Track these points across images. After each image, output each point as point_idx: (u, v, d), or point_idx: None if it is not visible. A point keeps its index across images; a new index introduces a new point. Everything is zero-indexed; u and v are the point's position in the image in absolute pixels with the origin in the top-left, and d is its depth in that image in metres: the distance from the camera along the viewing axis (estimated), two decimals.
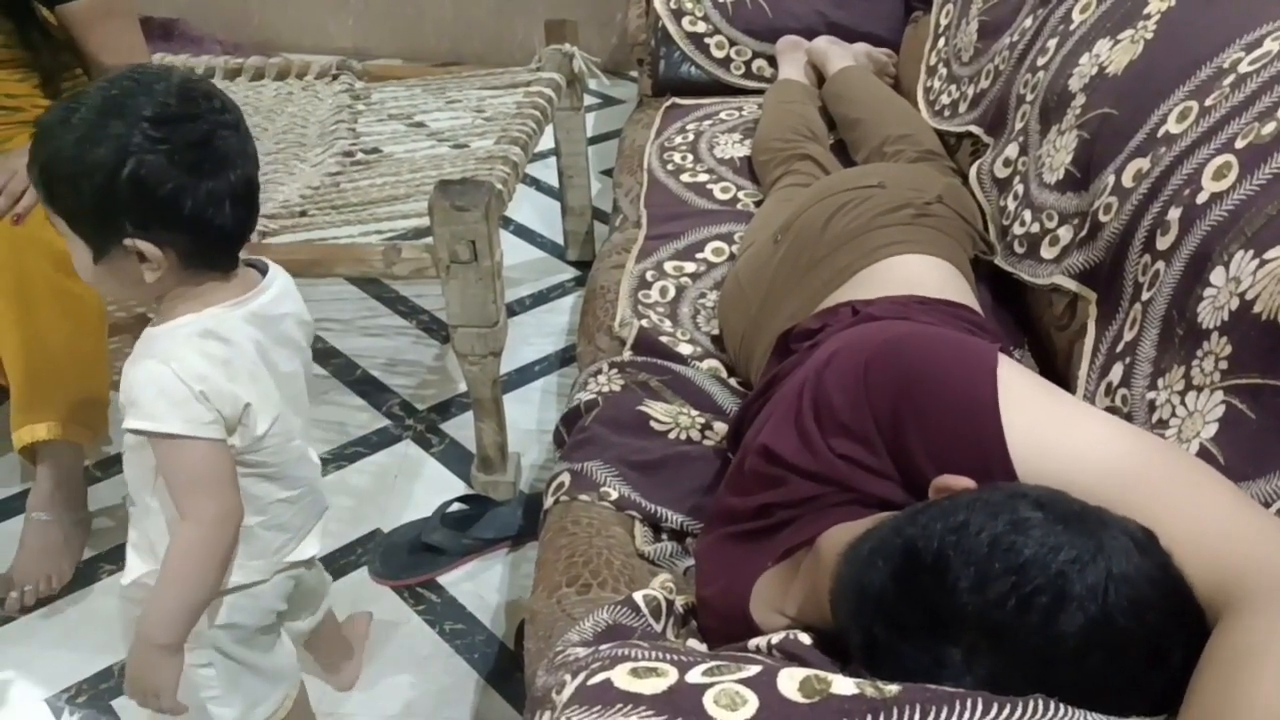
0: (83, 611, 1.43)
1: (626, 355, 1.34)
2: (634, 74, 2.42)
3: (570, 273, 2.26)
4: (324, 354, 1.97)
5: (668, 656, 0.67)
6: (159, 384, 0.87)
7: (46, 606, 1.42)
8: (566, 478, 1.15)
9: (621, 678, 0.62)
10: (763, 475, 0.88)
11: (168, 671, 0.94)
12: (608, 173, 2.56)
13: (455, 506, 1.56)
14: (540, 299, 2.15)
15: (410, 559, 1.49)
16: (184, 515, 0.91)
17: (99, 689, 1.32)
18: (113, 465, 1.64)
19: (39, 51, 1.46)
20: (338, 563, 1.51)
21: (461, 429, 1.79)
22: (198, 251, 0.89)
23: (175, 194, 0.84)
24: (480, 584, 1.49)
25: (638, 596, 0.90)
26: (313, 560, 1.09)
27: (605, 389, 1.28)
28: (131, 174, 0.82)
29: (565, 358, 1.98)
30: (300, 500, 1.03)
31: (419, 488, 1.66)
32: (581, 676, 0.66)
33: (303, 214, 1.60)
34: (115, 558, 1.50)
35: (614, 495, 1.12)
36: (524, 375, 1.91)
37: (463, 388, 1.89)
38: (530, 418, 1.81)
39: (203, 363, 0.88)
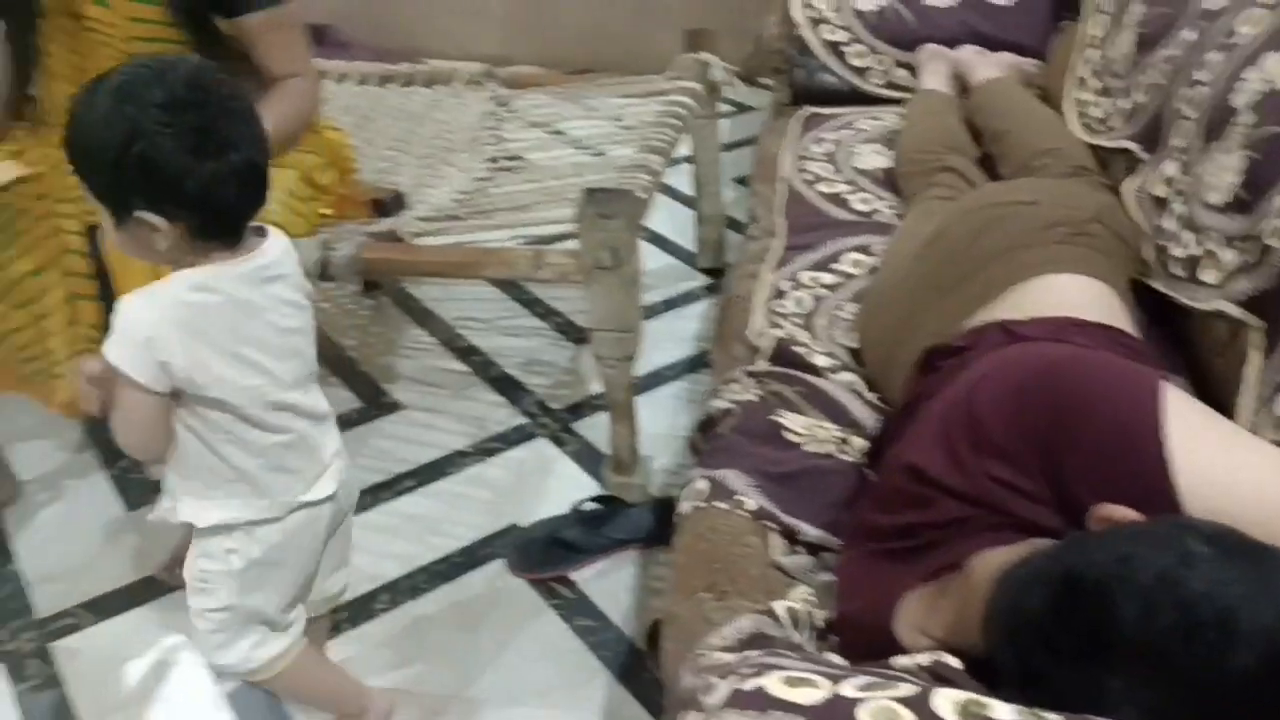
0: None
1: (763, 365, 1.36)
2: (767, 82, 2.43)
3: (701, 280, 2.29)
4: (465, 351, 2.05)
5: (818, 668, 0.68)
6: (123, 318, 0.96)
7: None
8: (703, 484, 1.18)
9: (776, 685, 0.64)
10: (909, 494, 0.88)
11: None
12: (739, 180, 2.59)
13: (588, 505, 1.60)
14: (671, 305, 2.19)
15: (545, 553, 1.54)
16: (113, 427, 1.01)
17: None
18: None
19: (214, 62, 1.57)
20: (476, 554, 1.57)
21: (594, 430, 1.83)
22: (202, 225, 0.98)
23: (179, 174, 0.93)
24: (611, 583, 1.53)
25: (779, 607, 0.92)
26: (335, 498, 1.15)
27: (741, 398, 1.30)
28: (139, 154, 0.92)
29: (696, 363, 2.01)
30: (297, 445, 1.09)
31: (553, 485, 1.72)
32: (733, 681, 0.68)
33: (452, 217, 1.67)
34: None
35: (751, 505, 1.14)
36: (655, 380, 1.94)
37: (596, 389, 1.94)
38: (661, 422, 1.84)
39: (171, 312, 0.96)
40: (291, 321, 1.07)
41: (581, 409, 1.89)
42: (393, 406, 1.90)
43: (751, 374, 1.33)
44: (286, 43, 1.57)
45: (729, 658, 0.78)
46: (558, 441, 1.81)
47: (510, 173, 1.85)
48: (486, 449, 1.79)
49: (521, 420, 1.86)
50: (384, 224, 1.63)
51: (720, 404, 1.30)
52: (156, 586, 1.51)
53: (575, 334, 2.11)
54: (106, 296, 1.52)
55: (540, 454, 1.79)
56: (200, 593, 1.11)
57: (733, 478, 1.17)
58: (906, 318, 1.25)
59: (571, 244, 1.49)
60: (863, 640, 0.88)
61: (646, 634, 1.41)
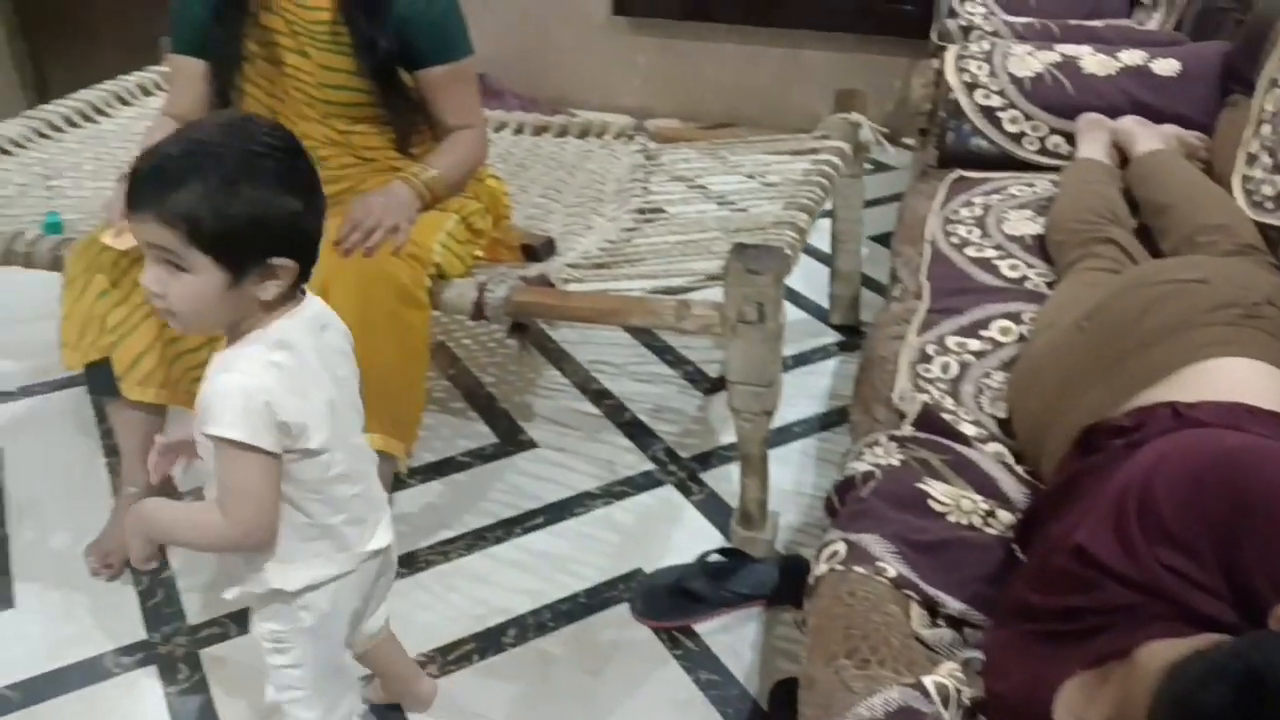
0: None
1: (907, 430, 1.34)
2: (909, 142, 2.42)
3: (833, 336, 2.28)
4: (598, 394, 2.09)
5: None
6: (231, 395, 0.98)
7: None
8: (842, 547, 1.16)
9: None
10: (1074, 576, 0.86)
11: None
12: (875, 239, 2.57)
13: (714, 557, 1.60)
14: (802, 360, 2.18)
15: (670, 602, 1.54)
16: (223, 513, 1.02)
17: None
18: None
19: (397, 111, 1.66)
20: (601, 595, 1.59)
21: (721, 481, 1.84)
22: (306, 267, 1.03)
23: (299, 212, 0.99)
24: (735, 638, 1.52)
25: (928, 682, 0.90)
26: (389, 549, 1.19)
27: (883, 462, 1.28)
28: (277, 212, 0.97)
29: (825, 421, 1.99)
30: (366, 492, 1.13)
31: (678, 533, 1.72)
32: None
33: (599, 265, 1.71)
34: (407, 561, 1.65)
35: (891, 573, 1.12)
36: (784, 435, 1.93)
37: (724, 440, 1.95)
38: (788, 478, 1.83)
39: (271, 375, 1.00)
40: (344, 370, 1.12)
41: (709, 459, 1.90)
42: (528, 444, 1.95)
43: (895, 438, 1.32)
44: (462, 95, 1.66)
45: None
46: (684, 490, 1.82)
47: (655, 224, 1.89)
48: (615, 492, 1.82)
49: (650, 466, 1.88)
50: (535, 269, 1.69)
51: (861, 466, 1.29)
52: None
53: (705, 383, 2.13)
54: None
55: (667, 501, 1.80)
56: (276, 653, 1.13)
57: (873, 543, 1.16)
58: (1063, 391, 1.22)
59: (715, 296, 1.51)
60: None
61: (770, 695, 1.40)
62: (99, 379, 1.61)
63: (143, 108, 2.31)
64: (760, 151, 2.16)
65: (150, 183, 0.96)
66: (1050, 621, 0.87)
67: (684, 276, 1.72)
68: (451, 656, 1.49)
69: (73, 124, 2.21)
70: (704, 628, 1.53)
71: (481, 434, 1.98)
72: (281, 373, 1.01)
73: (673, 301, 1.53)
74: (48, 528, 1.75)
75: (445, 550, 1.69)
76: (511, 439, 1.97)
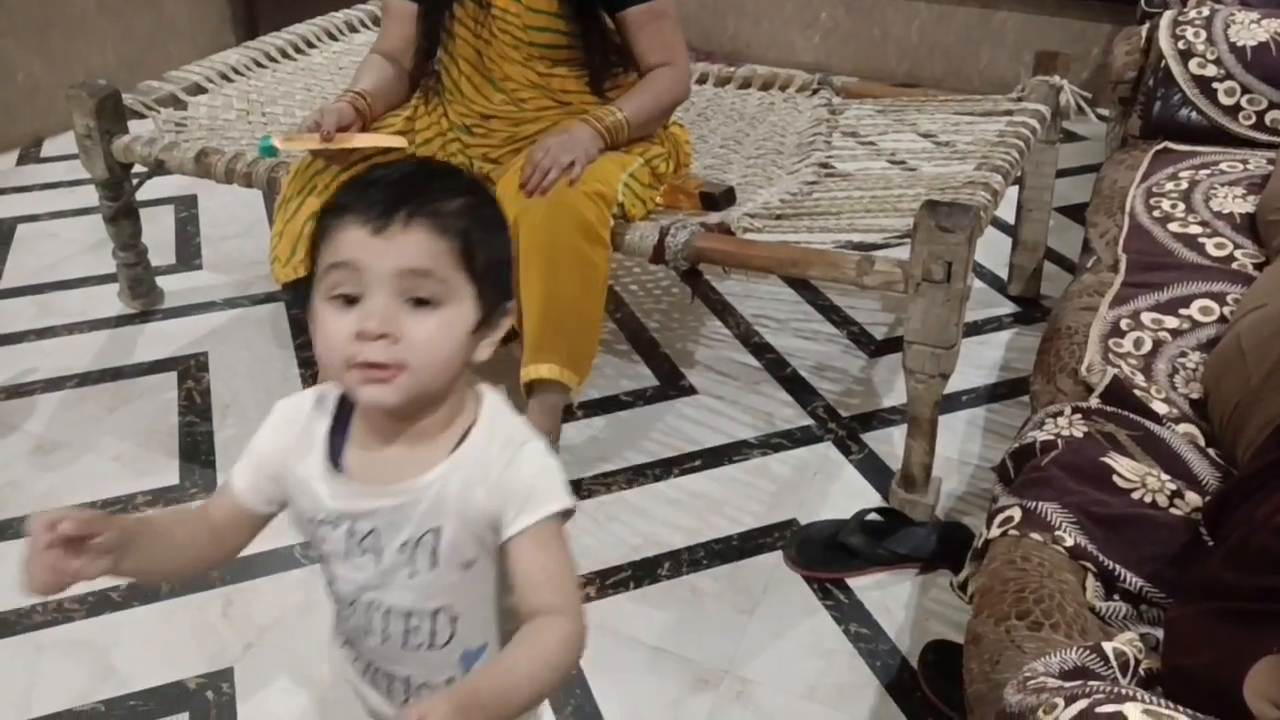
0: None
1: (1093, 402, 1.30)
2: (1103, 112, 2.30)
3: (1009, 307, 2.21)
4: (759, 348, 2.10)
5: (1173, 708, 0.66)
6: (554, 464, 0.81)
7: None
8: (1017, 513, 1.15)
9: (1136, 714, 0.63)
10: (1276, 556, 0.83)
11: None
12: (1058, 210, 2.47)
13: (872, 516, 1.60)
14: (974, 329, 2.13)
15: (825, 554, 1.56)
16: (565, 611, 0.78)
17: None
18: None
19: (595, 54, 1.70)
20: (755, 540, 1.62)
21: (881, 443, 1.83)
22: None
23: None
24: (887, 596, 1.52)
25: (1107, 647, 0.89)
26: None
27: (1066, 433, 1.25)
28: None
29: (995, 393, 1.95)
30: None
31: (835, 489, 1.73)
32: (1084, 704, 0.68)
33: (778, 217, 1.72)
34: (571, 489, 1.71)
35: (1069, 542, 1.10)
36: (950, 403, 1.90)
37: (887, 402, 1.93)
38: (952, 446, 1.80)
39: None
40: None
41: (871, 419, 1.89)
42: (688, 390, 1.98)
43: (1080, 410, 1.28)
44: (661, 31, 1.68)
45: (1066, 683, 0.78)
46: (843, 448, 1.82)
47: (837, 179, 1.87)
48: (772, 444, 1.83)
49: (809, 422, 1.89)
50: (715, 217, 1.71)
51: (1041, 435, 1.26)
52: None
53: (871, 345, 2.11)
54: None
55: (824, 457, 1.80)
56: None
57: (1051, 511, 1.14)
58: (1269, 376, 1.16)
59: (898, 254, 1.50)
60: (1195, 698, 0.84)
61: (921, 654, 1.40)
62: (302, 295, 1.73)
63: (349, 44, 2.44)
64: (951, 112, 2.10)
65: (414, 184, 0.76)
66: (1245, 600, 0.85)
67: (867, 233, 1.70)
68: (609, 580, 1.54)
69: (286, 55, 2.35)
70: (857, 583, 1.54)
71: (643, 376, 2.03)
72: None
73: (855, 255, 1.52)
74: (247, 425, 1.90)
75: (607, 482, 1.75)
76: (672, 384, 2.01)
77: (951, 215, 1.42)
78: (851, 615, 1.49)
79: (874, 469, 1.77)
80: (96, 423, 1.87)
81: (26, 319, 2.20)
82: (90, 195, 2.36)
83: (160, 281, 2.28)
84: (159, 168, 1.97)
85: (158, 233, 2.46)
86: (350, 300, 0.74)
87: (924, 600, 1.52)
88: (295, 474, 0.82)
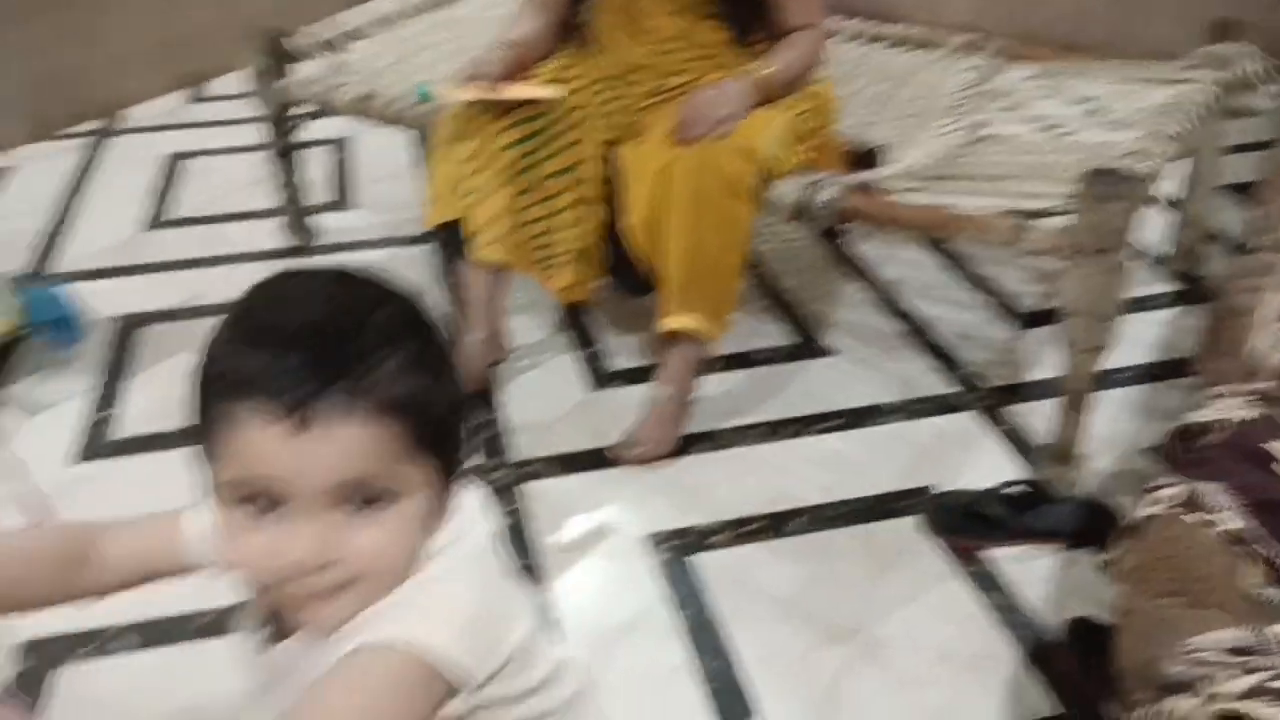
0: (675, 476, 1.69)
1: (1262, 385, 1.25)
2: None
3: (1172, 285, 2.13)
4: (900, 313, 2.08)
5: None
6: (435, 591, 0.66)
7: (652, 465, 1.70)
8: (1178, 492, 1.12)
9: None
10: None
11: None
12: (1228, 187, 2.35)
13: (1014, 488, 1.58)
14: (1134, 306, 2.03)
15: (964, 522, 1.54)
16: None
17: (682, 542, 1.56)
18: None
19: (742, 6, 1.71)
20: (891, 504, 1.62)
21: (1026, 416, 1.79)
22: None
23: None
24: (1026, 569, 1.50)
25: (1269, 631, 0.87)
26: None
27: (1232, 415, 1.21)
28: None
29: (1150, 372, 1.88)
30: None
31: (976, 459, 1.71)
32: (1257, 679, 0.67)
33: (927, 179, 1.68)
34: (702, 443, 1.74)
35: (1232, 525, 1.07)
36: (1104, 379, 1.82)
37: (1036, 374, 1.89)
38: (1103, 423, 1.74)
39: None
40: None
41: (1016, 392, 1.85)
42: (824, 351, 1.98)
43: (1248, 391, 1.24)
44: None
45: (1231, 658, 0.77)
46: (986, 418, 1.79)
47: (991, 143, 1.83)
48: (912, 409, 1.82)
49: (951, 390, 1.87)
50: (861, 176, 1.69)
51: (1207, 416, 1.22)
52: (605, 460, 1.71)
53: (1018, 316, 2.06)
54: (612, 207, 1.73)
55: (966, 427, 1.78)
56: None
57: (1214, 492, 1.11)
58: None
59: (1056, 222, 1.46)
60: None
61: (1068, 630, 1.38)
62: (452, 237, 1.79)
63: None
64: (1115, 79, 2.01)
65: (339, 334, 0.58)
66: None
67: (1022, 198, 1.65)
68: (743, 531, 1.57)
69: (437, 5, 2.42)
70: (995, 554, 1.52)
71: (780, 335, 2.03)
72: None
73: (1010, 220, 1.49)
74: None
75: (743, 435, 1.77)
76: (809, 344, 2.01)
77: (1115, 183, 1.37)
78: (989, 585, 1.48)
79: (1017, 441, 1.74)
80: None
81: (195, 247, 2.34)
82: (252, 134, 2.49)
83: (316, 220, 2.38)
84: (323, 108, 2.06)
85: (315, 172, 2.58)
86: (265, 505, 0.58)
87: (1066, 576, 1.49)
88: None
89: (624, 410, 1.78)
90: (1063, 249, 1.44)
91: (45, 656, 1.36)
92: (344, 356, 0.57)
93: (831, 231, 1.82)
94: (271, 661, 0.68)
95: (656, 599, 1.46)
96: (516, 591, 0.70)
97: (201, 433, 0.60)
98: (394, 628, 0.58)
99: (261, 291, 0.61)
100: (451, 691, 0.60)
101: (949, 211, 1.58)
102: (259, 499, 0.58)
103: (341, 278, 0.64)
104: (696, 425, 1.76)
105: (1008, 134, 1.86)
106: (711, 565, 1.51)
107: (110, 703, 1.30)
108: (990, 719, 1.30)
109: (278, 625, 0.69)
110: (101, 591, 0.75)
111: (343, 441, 0.56)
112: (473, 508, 0.70)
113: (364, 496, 0.58)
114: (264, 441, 0.56)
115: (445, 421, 0.62)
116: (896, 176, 1.69)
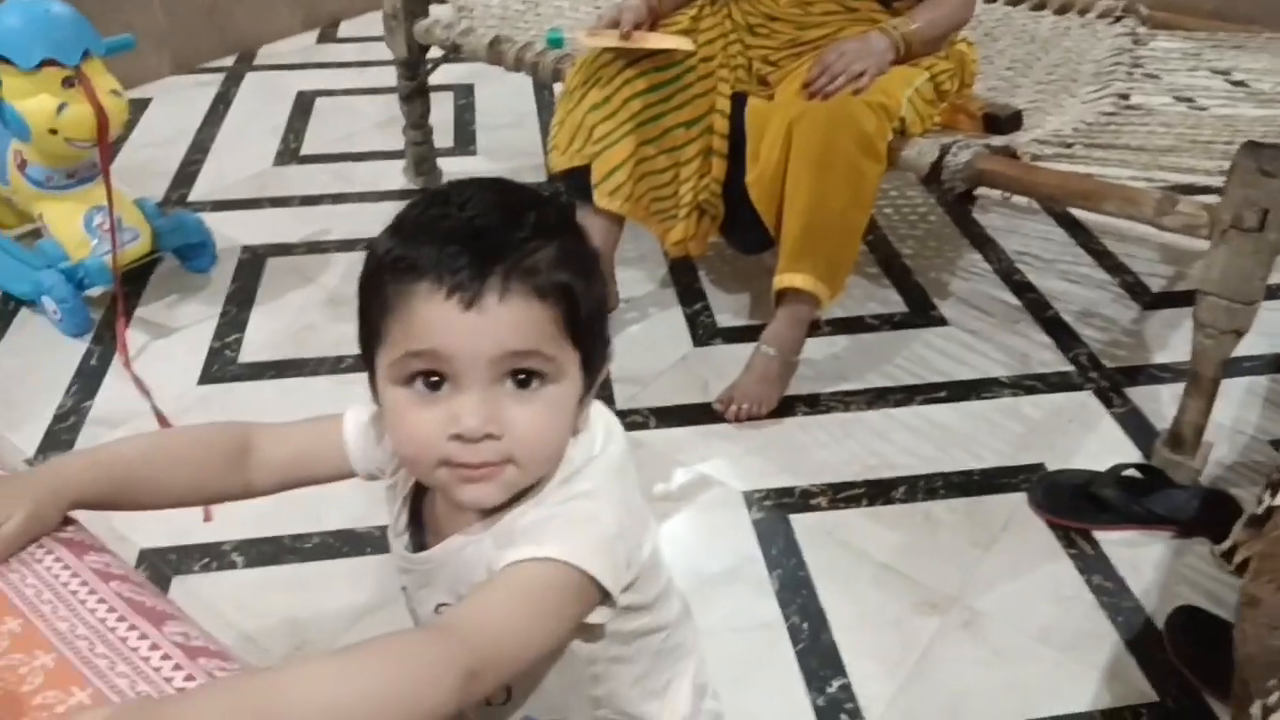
0: (776, 435, 1.68)
1: None
2: None
3: None
4: (1020, 286, 2.02)
5: None
6: (590, 516, 0.69)
7: (753, 423, 1.70)
8: None
9: None
10: None
11: None
12: None
13: (1130, 471, 1.52)
14: (1271, 293, 1.94)
15: (1074, 502, 1.50)
16: (462, 640, 0.62)
17: (780, 501, 1.55)
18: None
19: None
20: (998, 479, 1.58)
21: (1147, 400, 1.73)
22: None
23: None
24: (1137, 554, 1.45)
25: None
26: None
27: None
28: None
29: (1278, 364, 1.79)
30: None
31: (1090, 440, 1.65)
32: None
33: (1069, 146, 1.62)
34: (805, 405, 1.73)
35: None
36: (1232, 366, 1.73)
37: (1158, 358, 1.82)
38: (1227, 412, 1.68)
39: None
40: None
41: (1137, 374, 1.79)
42: (938, 320, 1.94)
43: None
44: None
45: None
46: (1104, 399, 1.73)
47: (1139, 112, 1.75)
48: (1025, 385, 1.77)
49: (1068, 368, 1.81)
50: (999, 139, 1.64)
51: None
52: (710, 414, 1.71)
53: (1145, 296, 1.98)
54: (738, 159, 1.71)
55: (1082, 406, 1.72)
56: None
57: None
58: None
59: (1205, 198, 1.39)
60: None
61: (1169, 619, 1.34)
62: (575, 184, 1.80)
63: None
64: (1266, 53, 1.90)
65: (500, 229, 0.62)
66: None
67: (1170, 171, 1.58)
68: (842, 495, 1.56)
69: None
70: (1105, 536, 1.48)
71: (893, 302, 2.00)
72: None
73: (1156, 193, 1.42)
74: None
75: (846, 400, 1.75)
76: (922, 312, 1.96)
77: (1274, 159, 1.29)
78: (1095, 567, 1.44)
79: (1136, 425, 1.68)
80: None
81: (324, 184, 2.42)
82: (379, 76, 2.55)
83: (439, 163, 2.43)
84: (454, 51, 2.09)
85: (437, 117, 2.62)
86: (433, 383, 0.62)
87: (1176, 564, 1.44)
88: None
89: (728, 367, 1.78)
90: (1211, 226, 1.38)
91: (161, 566, 1.44)
92: (505, 245, 0.62)
93: (963, 197, 1.76)
94: (419, 566, 0.73)
95: (752, 554, 1.46)
96: (644, 506, 0.74)
97: (372, 318, 0.64)
98: (552, 544, 0.63)
99: (429, 195, 0.67)
100: (596, 603, 0.65)
101: (1092, 180, 1.52)
102: (428, 375, 0.63)
103: (499, 182, 0.69)
104: (800, 387, 1.75)
105: (1155, 105, 1.78)
106: (809, 526, 1.51)
107: (223, 612, 1.37)
108: (1085, 700, 1.27)
109: (423, 532, 0.74)
110: (260, 491, 0.78)
111: (505, 317, 0.61)
112: (609, 420, 0.74)
113: (523, 371, 0.63)
114: (436, 317, 0.61)
115: (593, 318, 0.66)
116: (1039, 142, 1.63)
